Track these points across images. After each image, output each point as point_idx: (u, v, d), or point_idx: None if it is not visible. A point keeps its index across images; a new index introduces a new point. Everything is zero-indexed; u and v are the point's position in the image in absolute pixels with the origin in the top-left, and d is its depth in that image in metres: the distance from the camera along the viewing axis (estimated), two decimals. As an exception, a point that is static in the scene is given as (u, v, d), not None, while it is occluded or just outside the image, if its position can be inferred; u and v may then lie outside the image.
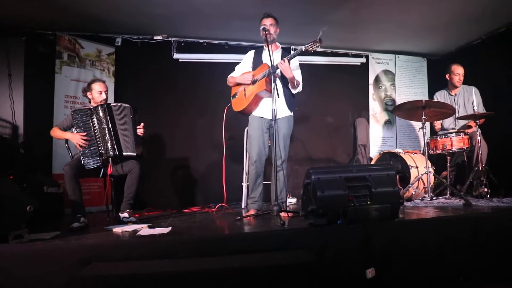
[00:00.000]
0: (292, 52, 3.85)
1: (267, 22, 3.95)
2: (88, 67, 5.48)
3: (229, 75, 4.20)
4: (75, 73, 5.37)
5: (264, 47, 4.10)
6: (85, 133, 3.72)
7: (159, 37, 5.86)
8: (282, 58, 3.90)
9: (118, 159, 3.80)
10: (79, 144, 3.69)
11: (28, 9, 4.80)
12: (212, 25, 5.51)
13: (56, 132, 3.88)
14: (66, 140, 3.90)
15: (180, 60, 5.94)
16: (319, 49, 3.64)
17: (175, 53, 5.91)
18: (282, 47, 4.18)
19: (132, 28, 5.57)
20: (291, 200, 5.41)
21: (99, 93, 3.99)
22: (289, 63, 3.77)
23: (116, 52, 5.72)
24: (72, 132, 3.79)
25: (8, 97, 5.03)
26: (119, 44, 5.73)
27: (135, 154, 3.82)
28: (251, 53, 4.20)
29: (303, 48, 3.63)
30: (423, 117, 4.52)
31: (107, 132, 3.75)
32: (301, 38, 5.85)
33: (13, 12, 4.84)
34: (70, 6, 4.76)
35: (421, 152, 5.27)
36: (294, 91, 4.04)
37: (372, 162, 5.45)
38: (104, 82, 4.09)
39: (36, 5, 4.70)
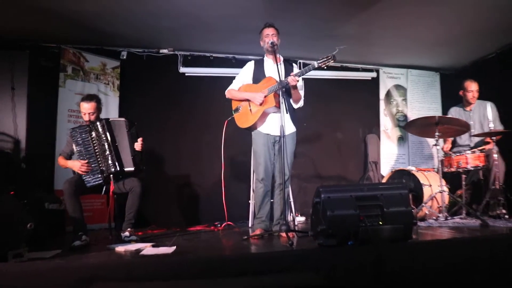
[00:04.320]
0: (295, 66, 3.86)
1: (270, 32, 3.95)
2: (93, 81, 5.53)
3: (230, 88, 4.17)
4: (79, 87, 5.42)
5: (266, 58, 4.11)
6: (86, 161, 3.74)
7: (165, 51, 5.92)
8: (286, 71, 3.92)
9: (120, 175, 3.82)
10: (80, 171, 3.73)
11: (32, 22, 4.88)
12: (219, 38, 5.57)
13: (60, 162, 3.95)
14: None
15: (186, 74, 5.99)
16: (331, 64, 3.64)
17: (181, 67, 5.97)
18: (283, 59, 4.17)
19: (137, 41, 5.64)
20: (299, 219, 5.39)
21: (83, 114, 3.94)
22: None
23: (121, 66, 5.78)
24: (77, 150, 3.81)
25: (11, 111, 5.07)
26: (124, 57, 5.80)
27: (133, 169, 3.84)
28: (251, 64, 4.16)
29: (315, 64, 3.63)
30: (437, 133, 4.50)
31: (107, 148, 3.79)
32: (309, 52, 5.93)
33: (17, 24, 4.92)
34: (75, 18, 4.84)
35: (435, 169, 5.23)
36: (296, 106, 4.05)
37: (384, 180, 5.41)
38: (95, 101, 3.97)
39: (41, 17, 4.77)
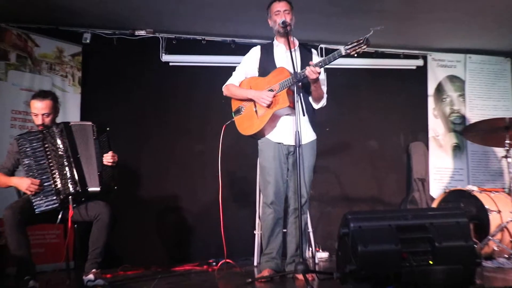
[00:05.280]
0: (315, 52, 3.85)
1: (281, 7, 3.96)
2: (45, 73, 5.54)
3: (228, 83, 4.19)
4: (27, 80, 5.42)
5: (276, 42, 4.12)
6: (38, 181, 3.72)
7: (142, 33, 5.95)
8: (303, 60, 3.94)
9: (82, 197, 3.83)
10: (29, 191, 3.70)
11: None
12: (214, 16, 5.57)
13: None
14: None
15: (170, 64, 6.03)
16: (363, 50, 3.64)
17: (163, 54, 5.99)
18: (299, 43, 4.17)
19: (105, 19, 5.66)
20: (321, 255, 5.39)
21: (34, 116, 3.94)
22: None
23: (83, 53, 5.79)
24: (25, 164, 3.79)
25: None
26: (88, 41, 5.80)
27: (99, 189, 3.85)
28: (256, 51, 4.18)
29: (343, 50, 3.62)
30: (507, 141, 4.48)
31: (65, 161, 3.80)
32: (333, 34, 5.96)
33: None
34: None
35: (505, 190, 5.19)
36: (317, 106, 4.07)
37: (434, 204, 5.37)
38: (51, 98, 3.97)
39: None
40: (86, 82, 5.79)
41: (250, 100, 4.02)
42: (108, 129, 4.06)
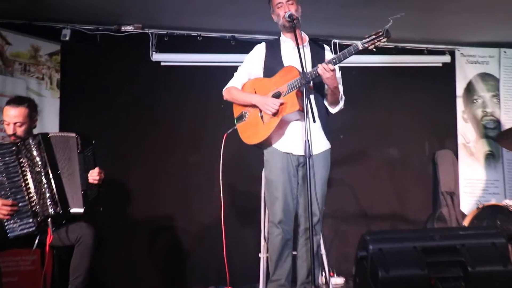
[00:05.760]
0: (327, 48, 3.85)
1: None
2: (18, 74, 5.55)
3: (229, 85, 4.20)
4: (-3, 83, 5.45)
5: (283, 38, 4.13)
6: (10, 202, 3.70)
7: (130, 28, 5.96)
8: (314, 57, 3.96)
9: (63, 219, 3.83)
10: (1, 214, 3.68)
11: None
12: (211, 8, 5.57)
13: None
14: None
15: (162, 64, 6.05)
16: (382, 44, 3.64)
17: (154, 52, 6.01)
18: (309, 39, 4.18)
19: (87, 13, 5.65)
20: (336, 281, 5.40)
21: (6, 125, 3.95)
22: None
23: (62, 51, 5.81)
24: None
25: None
26: (67, 38, 5.79)
27: (82, 210, 3.84)
28: (261, 49, 4.18)
29: (359, 45, 3.59)
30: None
31: (44, 178, 3.79)
32: (347, 27, 5.96)
33: None
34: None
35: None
36: (334, 110, 4.07)
37: (466, 222, 5.36)
38: (27, 105, 3.98)
39: None
40: (66, 85, 5.79)
41: (254, 105, 4.02)
42: (93, 141, 4.07)
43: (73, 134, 3.99)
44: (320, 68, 3.65)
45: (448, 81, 6.73)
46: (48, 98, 5.68)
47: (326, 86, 3.88)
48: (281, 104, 3.81)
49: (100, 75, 5.88)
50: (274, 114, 3.84)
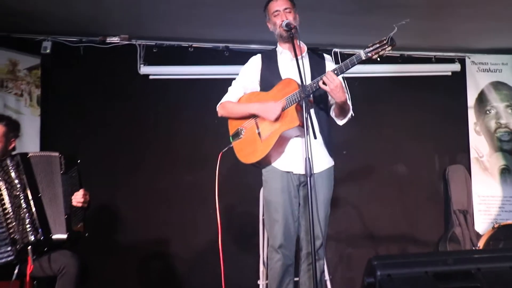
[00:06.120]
0: (328, 58, 3.84)
1: (280, 6, 3.93)
2: (-5, 91, 5.56)
3: (224, 100, 4.16)
4: (-29, 100, 5.44)
5: (280, 48, 4.12)
6: None
7: (115, 39, 5.98)
8: (314, 68, 3.93)
9: (44, 246, 3.79)
10: None
11: None
12: (203, 17, 5.57)
13: None
14: None
15: (151, 77, 6.06)
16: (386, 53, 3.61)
17: (142, 65, 6.02)
18: (308, 49, 4.15)
19: (69, 24, 5.66)
20: (341, 309, 5.35)
21: None
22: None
23: (43, 65, 5.82)
24: None
25: None
26: (48, 51, 5.79)
27: (65, 236, 3.80)
28: (257, 61, 4.16)
29: (362, 55, 3.58)
30: None
31: (23, 202, 3.74)
32: (348, 36, 5.97)
33: None
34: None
35: None
36: (342, 122, 4.04)
37: (481, 243, 5.34)
38: (5, 124, 3.97)
39: None
40: (47, 102, 5.81)
41: (252, 118, 3.99)
42: (79, 161, 4.04)
43: (56, 154, 3.94)
44: (323, 81, 3.61)
45: (459, 91, 6.77)
46: (27, 116, 5.68)
47: (330, 99, 3.89)
48: (282, 110, 3.79)
49: (84, 91, 5.90)
50: (276, 120, 3.81)
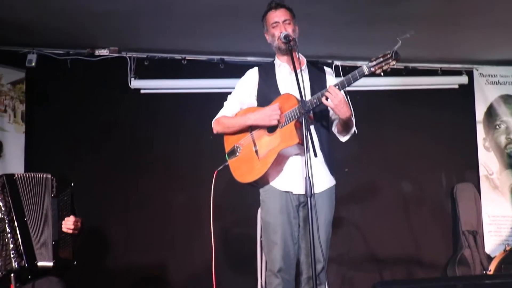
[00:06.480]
0: (328, 71, 3.85)
1: (279, 18, 3.93)
2: (-24, 107, 5.54)
3: (219, 115, 4.14)
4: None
5: (278, 61, 4.10)
6: None
7: (104, 52, 5.98)
8: (314, 82, 3.92)
9: (29, 274, 3.75)
10: None
11: None
12: (197, 29, 5.58)
13: None
14: None
15: (142, 91, 6.06)
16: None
17: (132, 79, 6.02)
18: (308, 61, 4.14)
19: (56, 36, 5.66)
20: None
21: None
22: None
23: (27, 79, 5.81)
24: None
25: None
26: (33, 64, 5.77)
27: (51, 264, 3.77)
28: (253, 73, 4.14)
29: (365, 69, 3.56)
30: None
31: (7, 227, 3.73)
32: (350, 48, 5.98)
33: None
34: None
35: None
36: (344, 138, 4.03)
37: (492, 266, 5.32)
38: None
39: None
40: (32, 118, 5.80)
41: (249, 133, 3.97)
42: (72, 184, 4.02)
43: (48, 175, 3.93)
44: (325, 97, 3.60)
45: (466, 105, 6.79)
46: (11, 133, 5.67)
47: (331, 115, 3.89)
48: (279, 120, 3.77)
49: (72, 106, 5.89)
50: (278, 123, 3.79)
